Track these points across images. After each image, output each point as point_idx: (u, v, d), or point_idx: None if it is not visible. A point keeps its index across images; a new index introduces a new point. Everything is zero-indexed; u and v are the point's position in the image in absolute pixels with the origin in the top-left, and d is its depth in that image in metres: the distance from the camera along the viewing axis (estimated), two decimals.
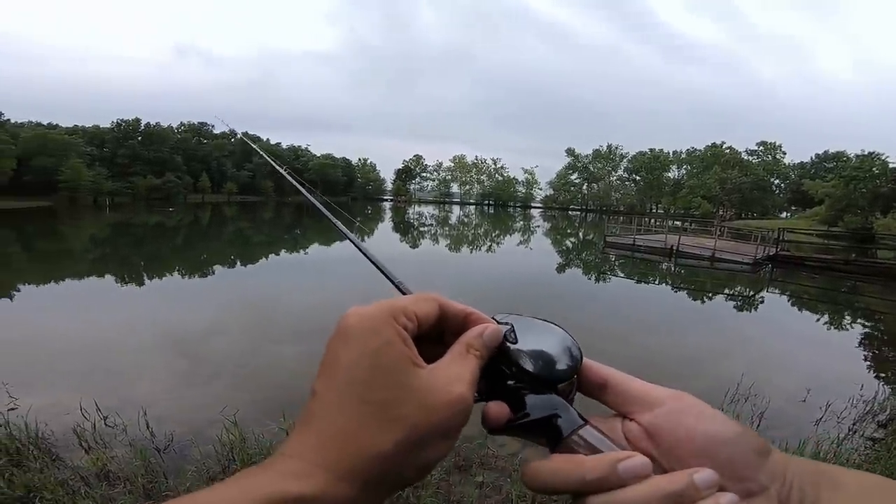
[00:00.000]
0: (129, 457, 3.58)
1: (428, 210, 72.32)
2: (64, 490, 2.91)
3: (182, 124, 74.13)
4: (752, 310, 12.43)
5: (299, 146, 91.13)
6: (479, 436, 4.35)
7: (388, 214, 57.72)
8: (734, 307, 12.73)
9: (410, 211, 68.02)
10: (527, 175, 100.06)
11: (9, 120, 55.32)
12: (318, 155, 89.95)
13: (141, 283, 12.84)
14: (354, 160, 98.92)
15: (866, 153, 43.70)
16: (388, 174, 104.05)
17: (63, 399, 4.52)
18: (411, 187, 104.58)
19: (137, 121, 61.61)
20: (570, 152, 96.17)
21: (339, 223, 0.63)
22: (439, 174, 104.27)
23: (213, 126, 77.90)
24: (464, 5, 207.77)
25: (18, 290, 11.60)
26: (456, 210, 75.41)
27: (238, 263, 16.88)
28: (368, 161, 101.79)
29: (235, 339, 7.58)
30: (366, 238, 29.61)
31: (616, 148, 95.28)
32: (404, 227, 38.85)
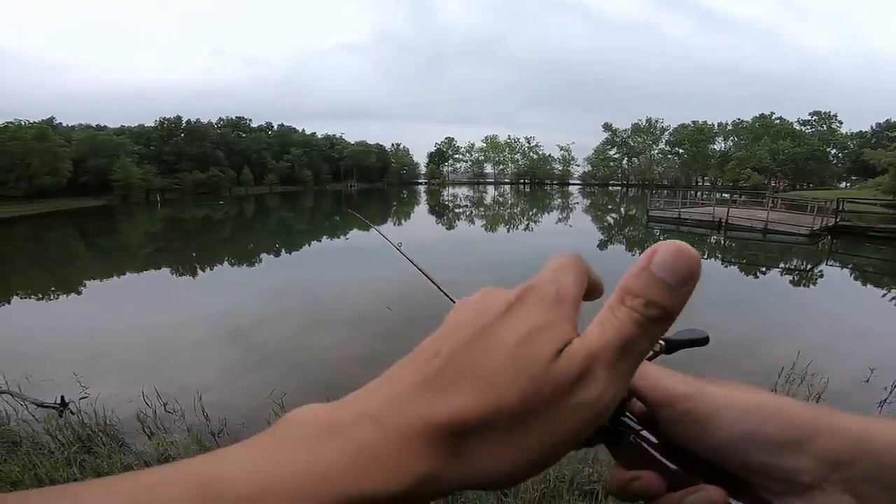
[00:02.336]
0: (186, 441, 3.78)
1: (462, 191, 72.02)
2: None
3: (221, 119, 76.53)
4: (811, 284, 11.74)
5: (334, 135, 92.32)
6: None
7: (423, 198, 57.89)
8: (790, 282, 12.06)
9: (445, 193, 67.95)
10: (563, 152, 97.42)
11: (61, 124, 58.82)
12: (353, 143, 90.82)
13: (194, 275, 13.53)
14: (388, 146, 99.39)
15: None
16: (421, 158, 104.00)
17: (127, 387, 4.78)
18: (444, 170, 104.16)
19: (179, 118, 64.07)
20: (607, 127, 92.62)
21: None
22: (472, 155, 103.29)
23: (250, 120, 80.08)
24: None
25: (84, 286, 12.50)
26: (491, 190, 74.71)
27: (283, 251, 17.46)
28: (402, 146, 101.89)
29: (282, 327, 7.87)
30: (403, 221, 29.91)
31: (657, 121, 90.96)
32: (439, 210, 38.90)
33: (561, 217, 32.09)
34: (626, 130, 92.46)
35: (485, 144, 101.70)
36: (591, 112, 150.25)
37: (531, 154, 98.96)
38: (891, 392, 4.70)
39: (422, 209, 41.33)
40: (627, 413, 0.32)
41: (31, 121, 47.64)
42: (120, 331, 7.67)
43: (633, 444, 0.31)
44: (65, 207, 41.45)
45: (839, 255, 16.14)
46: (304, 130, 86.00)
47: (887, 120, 68.43)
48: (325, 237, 22.15)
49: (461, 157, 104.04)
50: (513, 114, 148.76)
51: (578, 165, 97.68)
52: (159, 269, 14.72)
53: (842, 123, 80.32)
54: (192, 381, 5.19)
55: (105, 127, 62.04)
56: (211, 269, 14.23)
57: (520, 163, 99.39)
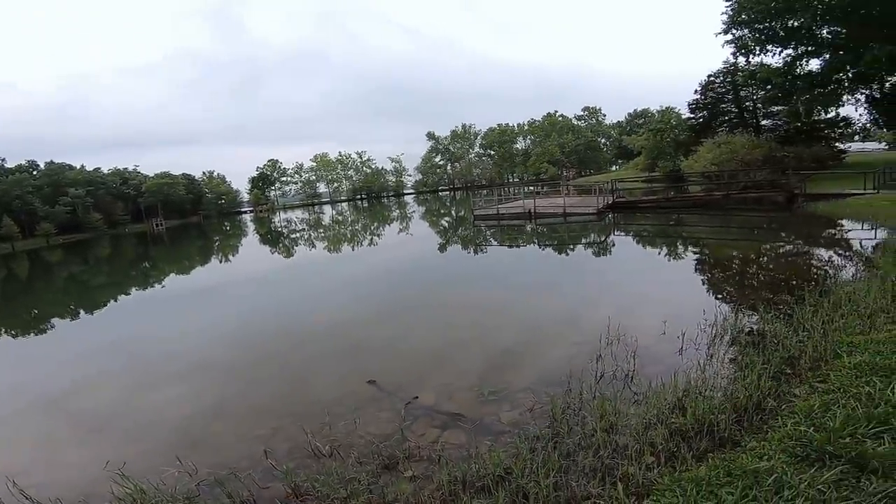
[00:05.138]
0: None
1: (296, 215, 68.54)
2: None
3: None
4: (608, 254, 14.33)
5: (126, 168, 78.85)
6: (396, 431, 4.42)
7: (251, 227, 53.39)
8: (593, 253, 14.54)
9: (276, 219, 63.80)
10: (394, 163, 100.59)
11: None
12: (152, 175, 78.65)
13: None
14: (198, 175, 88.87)
15: (664, 108, 52.42)
16: (242, 185, 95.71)
17: None
18: (272, 194, 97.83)
19: None
20: (430, 136, 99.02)
21: None
22: (301, 176, 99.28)
23: (3, 159, 63.48)
24: (298, 5, 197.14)
25: None
26: (328, 210, 72.72)
27: (82, 312, 14.27)
28: (216, 173, 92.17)
29: (104, 391, 6.54)
30: (230, 257, 27.16)
31: (470, 126, 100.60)
32: (272, 238, 36.40)
33: (402, 227, 32.99)
34: (446, 137, 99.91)
35: (315, 163, 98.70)
36: (417, 122, 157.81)
37: (364, 168, 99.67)
38: (683, 340, 5.68)
39: (251, 240, 38.10)
40: None
41: None
42: None
43: None
44: None
45: (621, 226, 20.03)
46: (83, 166, 71.57)
47: (635, 109, 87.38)
48: (134, 288, 18.77)
49: (289, 178, 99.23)
50: (342, 129, 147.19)
51: (410, 175, 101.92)
52: None
53: (605, 116, 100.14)
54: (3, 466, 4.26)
55: None
56: None
57: (354, 178, 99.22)
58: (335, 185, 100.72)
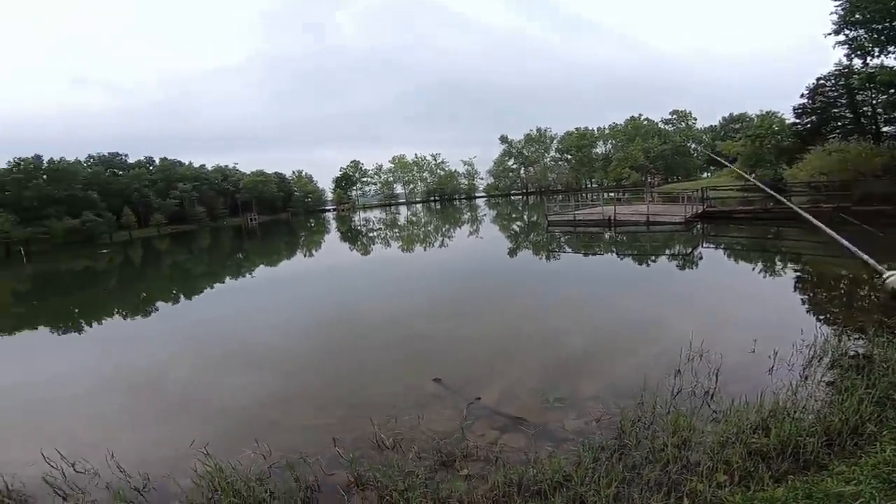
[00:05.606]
0: (108, 499, 3.57)
1: (374, 214, 71.48)
2: None
3: (90, 157, 68.47)
4: (694, 266, 13.35)
5: (226, 165, 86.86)
6: (456, 430, 4.44)
7: (333, 225, 56.47)
8: (677, 266, 13.63)
9: (356, 218, 66.91)
10: (466, 166, 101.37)
11: None
12: (249, 173, 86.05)
13: (80, 331, 11.87)
14: (289, 174, 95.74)
15: (765, 112, 47.81)
16: (326, 184, 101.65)
17: (19, 451, 4.37)
18: (353, 194, 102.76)
19: (39, 158, 56.00)
20: (503, 139, 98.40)
21: None
22: (380, 177, 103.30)
23: (126, 155, 72.57)
24: (377, 9, 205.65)
25: None
26: (403, 210, 75.06)
27: (182, 297, 15.97)
28: (304, 173, 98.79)
29: (188, 374, 7.26)
30: (313, 252, 28.92)
31: (545, 130, 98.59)
32: (352, 236, 38.22)
33: (472, 229, 33.19)
34: (520, 141, 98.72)
35: (393, 165, 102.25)
36: (490, 123, 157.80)
37: (438, 171, 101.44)
38: (774, 360, 5.24)
39: (333, 237, 40.30)
40: None
41: None
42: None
43: None
44: None
45: (711, 238, 18.56)
46: (191, 163, 79.72)
47: (730, 114, 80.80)
48: (228, 278, 20.62)
49: (369, 179, 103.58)
50: (419, 132, 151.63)
51: (482, 178, 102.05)
52: (36, 328, 12.74)
53: (696, 120, 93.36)
54: (99, 438, 4.81)
55: None
56: (99, 323, 12.59)
57: (428, 180, 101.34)
58: (410, 186, 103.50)
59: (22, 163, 55.17)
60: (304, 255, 27.27)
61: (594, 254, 17.62)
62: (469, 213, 54.00)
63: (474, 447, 4.07)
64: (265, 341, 8.64)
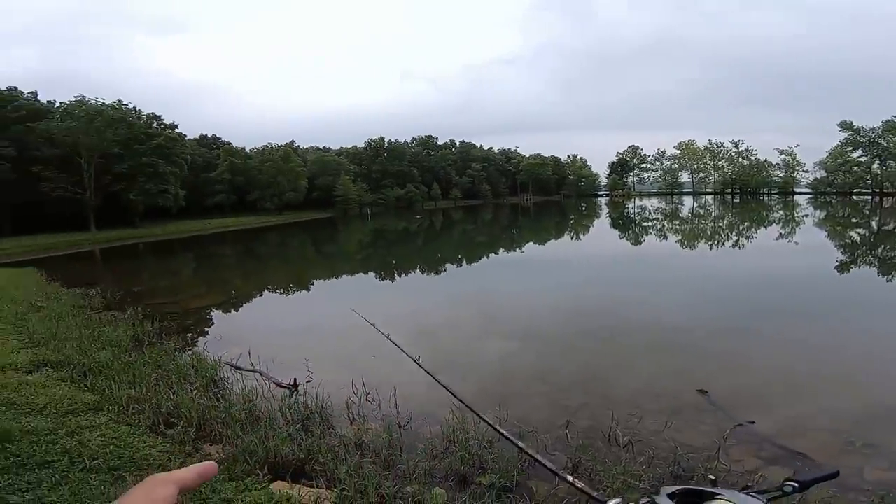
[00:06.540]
0: (378, 430, 4.16)
1: (651, 203, 65.77)
2: (331, 455, 3.52)
3: (413, 139, 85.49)
4: None
5: (509, 149, 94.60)
6: (709, 446, 3.77)
7: (605, 210, 54.73)
8: None
9: (630, 205, 63.03)
10: (784, 156, 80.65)
11: (299, 146, 72.92)
12: (527, 156, 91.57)
13: (392, 279, 15.34)
14: (563, 157, 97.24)
15: None
16: (601, 169, 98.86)
17: (341, 376, 5.45)
18: (629, 180, 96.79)
19: (382, 139, 74.14)
20: (845, 126, 72.67)
21: None
22: (662, 164, 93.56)
23: (437, 138, 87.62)
24: None
25: (313, 284, 15.30)
26: (688, 202, 66.42)
27: (465, 262, 18.52)
28: (578, 157, 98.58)
29: (461, 332, 8.29)
30: (581, 235, 28.77)
31: None
32: (623, 223, 36.18)
33: (783, 231, 26.47)
34: (874, 129, 71.30)
35: (678, 151, 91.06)
36: (818, 108, 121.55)
37: (740, 160, 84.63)
38: None
39: (602, 222, 39.13)
40: None
41: (279, 143, 60.95)
42: (336, 326, 9.11)
43: None
44: (302, 218, 51.97)
45: None
46: (481, 145, 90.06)
47: None
48: (501, 250, 22.71)
49: (649, 165, 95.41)
50: (712, 116, 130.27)
51: (806, 171, 79.64)
52: (367, 273, 17.17)
53: None
54: (389, 375, 5.61)
55: (329, 149, 75.00)
56: (406, 275, 15.94)
57: (725, 170, 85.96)
58: (700, 175, 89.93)
59: (372, 143, 73.79)
60: (571, 238, 27.46)
61: None
62: (781, 212, 43.26)
63: (724, 470, 3.38)
64: (526, 316, 9.13)
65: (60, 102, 38.72)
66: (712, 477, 0.44)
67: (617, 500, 0.48)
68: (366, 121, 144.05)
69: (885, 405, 4.74)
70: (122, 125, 37.00)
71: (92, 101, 36.96)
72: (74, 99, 37.11)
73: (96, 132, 34.48)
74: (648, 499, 0.42)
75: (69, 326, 7.20)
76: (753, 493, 0.40)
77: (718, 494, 0.41)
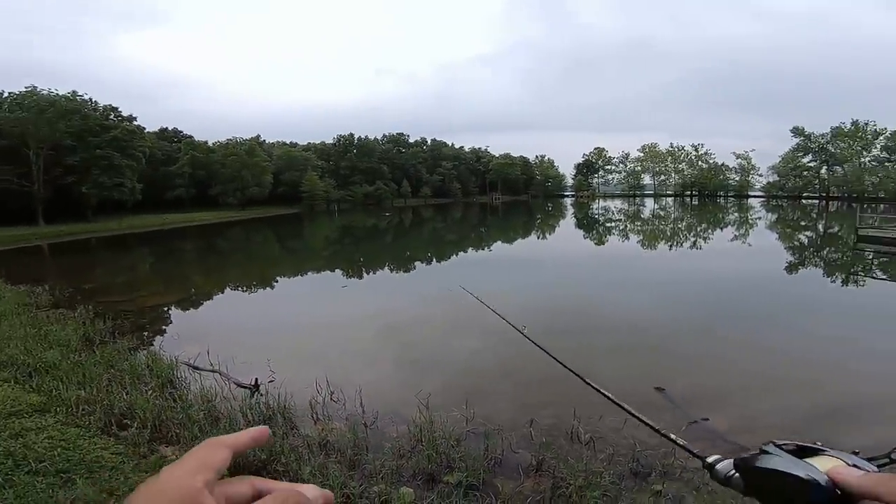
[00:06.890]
0: (343, 429, 4.12)
1: (615, 204, 67.62)
2: (294, 456, 3.47)
3: (384, 136, 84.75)
4: None
5: (479, 148, 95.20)
6: (666, 443, 3.81)
7: (570, 211, 55.91)
8: None
9: (594, 206, 64.63)
10: (740, 160, 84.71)
11: (265, 141, 71.02)
12: (497, 155, 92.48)
13: (360, 276, 15.14)
14: (532, 158, 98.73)
15: None
16: (567, 170, 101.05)
17: (304, 375, 5.36)
18: (594, 181, 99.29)
19: (352, 135, 73.10)
20: (797, 132, 77.07)
21: None
22: (626, 166, 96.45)
23: (408, 136, 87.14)
24: None
25: (276, 281, 14.93)
26: (649, 203, 68.69)
27: (434, 261, 18.51)
28: (546, 158, 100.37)
29: (428, 330, 8.27)
30: (547, 235, 29.31)
31: (865, 124, 72.91)
32: (587, 224, 37.07)
33: (737, 233, 27.80)
34: (823, 135, 75.85)
35: (642, 154, 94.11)
36: (774, 114, 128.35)
37: (699, 163, 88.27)
38: None
39: (568, 222, 39.96)
40: None
41: (244, 138, 59.03)
42: (302, 324, 8.96)
43: None
44: (267, 214, 50.66)
45: None
46: (452, 144, 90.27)
47: None
48: (470, 249, 22.84)
49: (613, 167, 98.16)
50: (676, 120, 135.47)
51: (760, 175, 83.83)
52: (333, 270, 16.88)
53: None
54: (354, 374, 5.67)
55: (296, 144, 73.21)
56: (374, 273, 15.77)
57: (685, 173, 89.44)
58: (661, 177, 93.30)
59: (341, 139, 72.63)
60: (538, 238, 27.92)
61: None
62: (736, 214, 45.44)
63: (680, 467, 3.56)
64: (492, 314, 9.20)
65: (9, 93, 36.65)
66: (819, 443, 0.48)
67: (717, 455, 0.52)
68: (337, 118, 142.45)
69: (831, 404, 5.04)
70: (76, 116, 35.19)
71: (44, 92, 35.21)
72: (25, 89, 35.31)
73: (47, 123, 32.83)
74: (759, 450, 0.46)
75: (13, 325, 6.80)
76: (863, 458, 0.43)
77: (827, 451, 0.44)
